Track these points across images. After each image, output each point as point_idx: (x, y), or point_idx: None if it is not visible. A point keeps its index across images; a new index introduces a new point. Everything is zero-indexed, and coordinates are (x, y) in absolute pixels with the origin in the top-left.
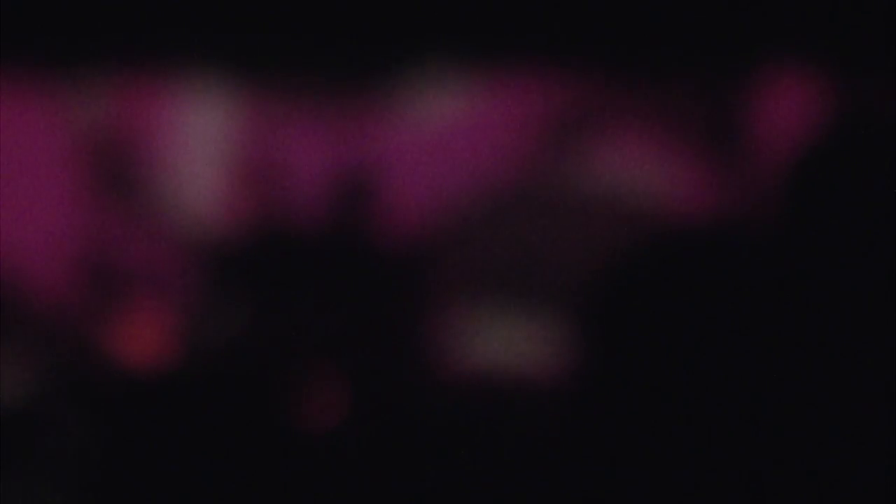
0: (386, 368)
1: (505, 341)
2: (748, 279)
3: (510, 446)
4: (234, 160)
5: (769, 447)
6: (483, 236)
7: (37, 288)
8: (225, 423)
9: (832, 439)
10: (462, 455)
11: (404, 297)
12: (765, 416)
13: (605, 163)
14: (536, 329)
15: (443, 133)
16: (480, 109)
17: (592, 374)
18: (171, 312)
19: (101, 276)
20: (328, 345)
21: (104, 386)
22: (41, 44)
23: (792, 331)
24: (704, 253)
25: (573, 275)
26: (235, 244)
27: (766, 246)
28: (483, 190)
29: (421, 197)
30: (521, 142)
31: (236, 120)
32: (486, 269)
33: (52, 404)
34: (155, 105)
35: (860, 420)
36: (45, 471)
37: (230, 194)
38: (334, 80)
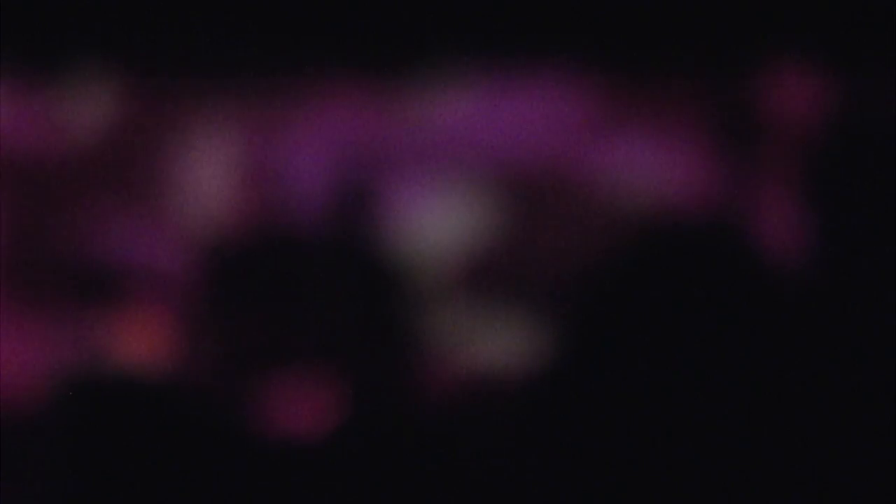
0: (385, 370)
1: (506, 342)
2: (754, 276)
3: (504, 449)
4: (236, 161)
5: (771, 444)
6: (486, 236)
7: (37, 287)
8: (223, 423)
9: (836, 442)
10: (457, 457)
11: (406, 299)
12: (769, 411)
13: (612, 160)
14: (537, 330)
15: (445, 134)
16: (483, 110)
17: (596, 374)
18: (172, 313)
19: (102, 276)
20: (328, 346)
21: (103, 386)
22: (46, 47)
23: (796, 329)
24: (710, 250)
25: (577, 275)
26: (237, 245)
27: (773, 242)
28: (486, 190)
29: (423, 198)
30: (523, 142)
31: (238, 121)
32: (490, 268)
33: (51, 404)
34: (157, 106)
35: (861, 422)
36: (43, 471)
37: (232, 195)
38: (337, 81)
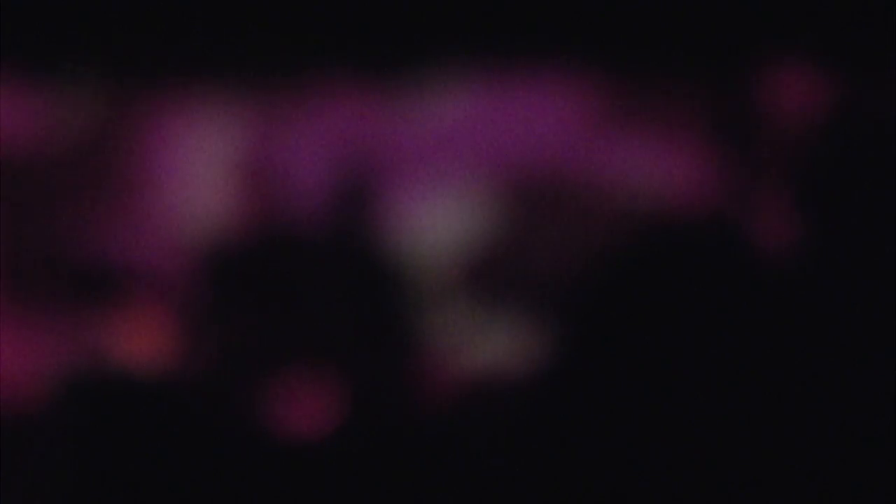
0: (385, 370)
1: (506, 342)
2: (754, 276)
3: (503, 449)
4: (236, 161)
5: (768, 442)
6: (486, 237)
7: (37, 287)
8: (223, 423)
9: (834, 443)
10: (456, 457)
11: (406, 299)
12: (766, 409)
13: (613, 161)
14: (537, 330)
15: (445, 135)
16: (483, 110)
17: (596, 374)
18: (172, 313)
19: (102, 276)
20: (328, 346)
21: (103, 386)
22: (45, 48)
23: (795, 328)
24: (710, 251)
25: (577, 275)
26: (236, 245)
27: (774, 242)
28: (486, 190)
29: (423, 198)
30: (524, 142)
31: (238, 121)
32: (490, 269)
33: (52, 404)
34: (157, 107)
35: (864, 424)
36: (44, 470)
37: (232, 195)
38: (337, 80)
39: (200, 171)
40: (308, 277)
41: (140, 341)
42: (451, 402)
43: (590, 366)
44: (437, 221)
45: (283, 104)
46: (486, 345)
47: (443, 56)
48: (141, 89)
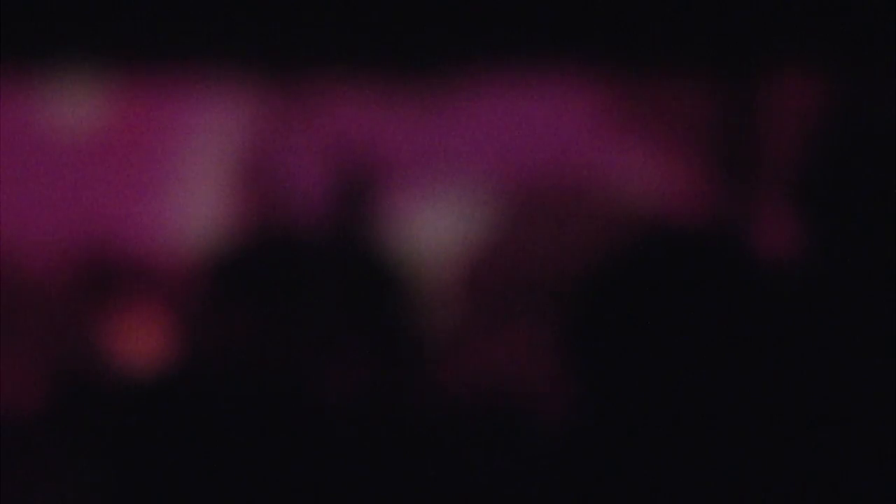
0: (383, 368)
1: (506, 343)
2: (755, 281)
3: (504, 449)
4: (236, 161)
5: (768, 449)
6: (485, 238)
7: (37, 286)
8: (224, 422)
9: (837, 446)
10: (454, 456)
11: (404, 298)
12: (763, 412)
13: (615, 165)
14: (535, 331)
15: (445, 136)
16: (485, 113)
17: (595, 376)
18: (172, 312)
19: (102, 275)
20: (326, 345)
21: (104, 386)
22: (44, 47)
23: (797, 333)
24: (711, 255)
25: (576, 277)
26: (236, 244)
27: (774, 246)
28: (487, 192)
29: (424, 199)
30: (526, 144)
31: (239, 122)
32: (487, 270)
33: (52, 404)
34: (157, 106)
35: (868, 430)
36: (45, 470)
37: (232, 195)
38: (340, 81)
39: (201, 170)
40: (307, 277)
41: (140, 341)
42: (451, 401)
43: (588, 365)
44: (436, 222)
45: (283, 104)
46: (486, 345)
47: (444, 58)
48: (141, 88)
